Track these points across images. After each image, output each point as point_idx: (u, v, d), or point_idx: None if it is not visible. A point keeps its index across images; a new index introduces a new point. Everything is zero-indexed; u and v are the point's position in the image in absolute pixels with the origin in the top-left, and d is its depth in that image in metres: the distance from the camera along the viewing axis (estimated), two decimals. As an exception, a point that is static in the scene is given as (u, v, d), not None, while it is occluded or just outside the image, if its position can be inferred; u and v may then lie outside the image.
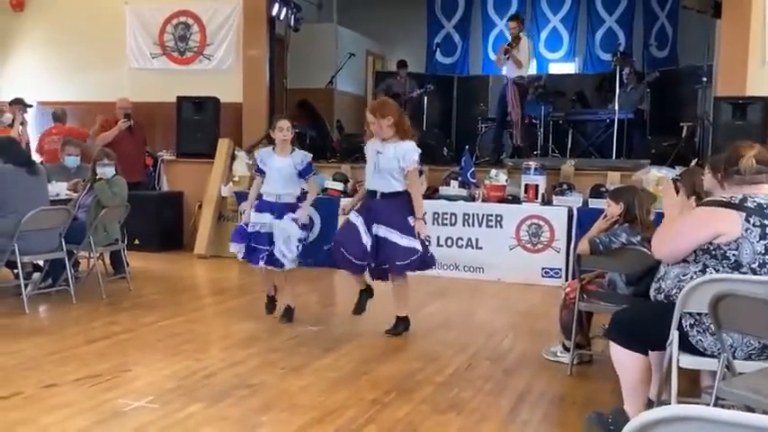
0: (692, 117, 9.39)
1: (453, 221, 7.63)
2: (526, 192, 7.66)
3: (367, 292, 5.37)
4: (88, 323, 5.36)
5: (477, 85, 12.88)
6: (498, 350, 4.95)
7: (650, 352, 3.25)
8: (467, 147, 8.89)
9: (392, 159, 4.97)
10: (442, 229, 7.61)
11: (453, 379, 4.26)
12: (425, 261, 5.10)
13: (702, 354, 3.07)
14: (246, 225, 5.35)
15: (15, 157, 5.78)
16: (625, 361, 3.26)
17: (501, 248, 7.47)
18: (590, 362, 4.56)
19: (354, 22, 12.96)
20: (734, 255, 3.00)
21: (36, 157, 8.33)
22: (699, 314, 3.02)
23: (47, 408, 3.59)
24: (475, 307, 6.48)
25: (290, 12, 9.90)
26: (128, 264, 6.62)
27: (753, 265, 2.98)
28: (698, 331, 3.06)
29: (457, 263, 7.57)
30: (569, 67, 13.39)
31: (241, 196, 7.30)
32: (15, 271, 5.83)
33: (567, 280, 6.58)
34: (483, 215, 7.56)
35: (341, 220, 5.49)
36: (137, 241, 7.90)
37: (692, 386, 3.76)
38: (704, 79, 8.79)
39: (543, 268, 7.35)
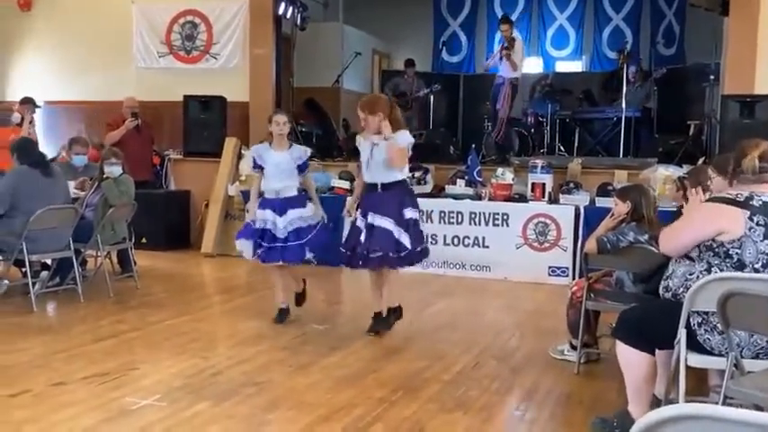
0: (700, 115, 9.37)
1: (460, 220, 7.62)
2: (533, 190, 7.64)
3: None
4: (95, 321, 5.38)
5: (483, 83, 12.81)
6: (505, 349, 4.95)
7: (657, 351, 3.24)
8: (473, 145, 8.89)
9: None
10: (448, 227, 7.60)
11: (460, 378, 4.25)
12: (414, 258, 5.06)
13: (710, 353, 3.07)
14: (253, 222, 5.32)
15: (31, 158, 5.80)
16: (632, 360, 3.25)
17: (508, 247, 7.45)
18: (597, 360, 4.55)
19: (360, 20, 12.97)
20: (737, 254, 2.98)
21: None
22: (706, 313, 3.01)
23: (55, 406, 3.60)
24: (481, 306, 6.47)
25: (296, 11, 9.90)
26: (135, 262, 6.66)
27: (756, 265, 2.97)
28: (705, 330, 3.05)
29: (463, 262, 7.56)
30: (576, 66, 13.34)
31: (248, 195, 7.26)
32: (23, 269, 5.85)
33: (574, 279, 6.56)
34: (489, 214, 7.54)
35: (347, 221, 5.47)
36: (144, 240, 7.90)
37: (698, 385, 3.75)
38: (712, 77, 8.76)
39: (550, 267, 7.33)
